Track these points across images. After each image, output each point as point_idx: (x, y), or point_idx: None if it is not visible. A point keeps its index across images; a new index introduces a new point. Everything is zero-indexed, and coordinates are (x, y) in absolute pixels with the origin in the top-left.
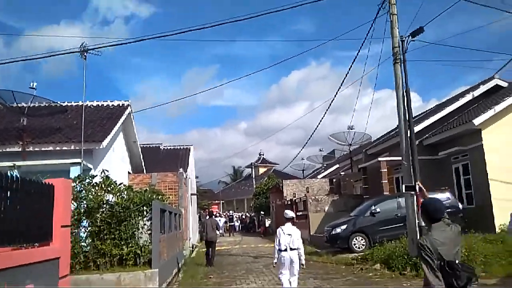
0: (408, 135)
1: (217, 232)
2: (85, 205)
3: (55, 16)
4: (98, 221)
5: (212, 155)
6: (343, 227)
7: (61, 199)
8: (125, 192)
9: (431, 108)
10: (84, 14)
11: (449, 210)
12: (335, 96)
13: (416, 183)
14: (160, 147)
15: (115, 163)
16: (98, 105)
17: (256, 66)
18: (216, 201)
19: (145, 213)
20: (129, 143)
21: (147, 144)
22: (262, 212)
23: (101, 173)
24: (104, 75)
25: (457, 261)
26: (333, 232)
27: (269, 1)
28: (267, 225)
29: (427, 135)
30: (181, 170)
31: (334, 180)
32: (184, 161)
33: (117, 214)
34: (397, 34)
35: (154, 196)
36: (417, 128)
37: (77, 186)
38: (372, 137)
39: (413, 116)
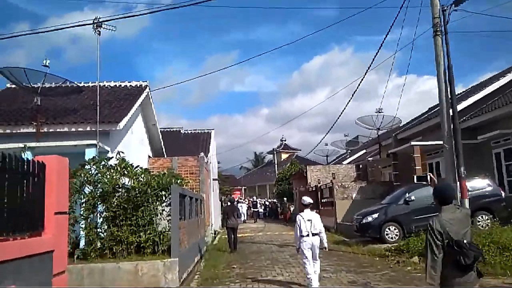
0: (451, 115)
1: (241, 219)
2: (100, 189)
3: (79, 4)
4: (114, 206)
5: (233, 141)
6: (375, 215)
7: (55, 181)
8: (142, 176)
9: (468, 88)
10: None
11: (491, 199)
12: (361, 80)
13: (428, 174)
14: (181, 131)
15: (134, 146)
16: (116, 85)
17: (276, 51)
18: (238, 187)
19: (163, 198)
20: (149, 126)
21: (167, 128)
22: (285, 198)
23: (117, 155)
24: (125, 60)
25: (465, 241)
26: (364, 221)
27: None
28: (291, 211)
29: (464, 118)
30: (202, 154)
31: (360, 166)
32: (205, 145)
33: (134, 199)
34: (438, 2)
35: (173, 180)
36: None
37: (92, 168)
38: (402, 121)
39: None
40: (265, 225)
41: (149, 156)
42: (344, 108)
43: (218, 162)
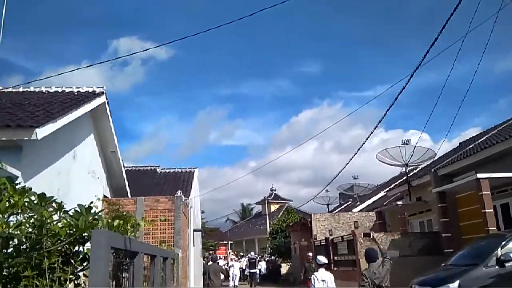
0: None
1: (231, 283)
2: None
3: (76, 57)
4: None
5: (220, 194)
6: (453, 285)
7: None
8: (32, 211)
9: None
10: (103, 55)
11: None
12: (369, 136)
13: (371, 232)
14: (157, 170)
15: (78, 178)
16: (57, 91)
17: (264, 105)
18: (224, 241)
19: (86, 256)
20: (105, 153)
21: (140, 166)
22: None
23: None
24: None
25: (383, 285)
26: None
27: (278, 46)
28: (285, 270)
29: None
30: (179, 193)
31: (382, 212)
32: (186, 186)
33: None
34: None
35: (103, 223)
36: None
37: None
38: (436, 155)
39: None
40: None
41: (105, 196)
42: (347, 163)
43: (202, 212)
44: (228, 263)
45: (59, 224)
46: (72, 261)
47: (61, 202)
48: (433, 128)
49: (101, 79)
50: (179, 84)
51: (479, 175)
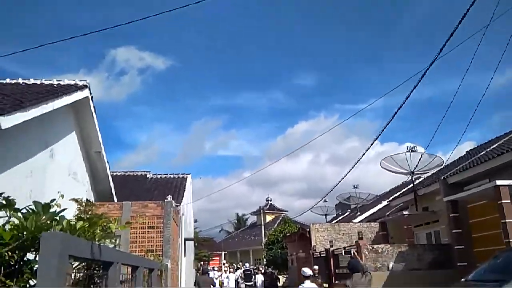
0: None
1: None
2: None
3: (73, 66)
4: None
5: (214, 204)
6: None
7: None
8: None
9: None
10: (101, 65)
11: None
12: (367, 149)
13: (352, 249)
14: (147, 176)
15: (56, 179)
16: (35, 83)
17: (259, 117)
18: (218, 252)
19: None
20: (90, 154)
21: (129, 171)
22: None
23: None
24: (106, 124)
25: None
26: None
27: (272, 56)
28: (280, 283)
29: None
30: (169, 198)
31: (385, 223)
32: (178, 192)
33: None
34: None
35: (58, 225)
36: None
37: None
38: (443, 162)
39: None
40: None
41: (88, 200)
42: (348, 172)
43: (195, 221)
44: (222, 275)
45: (7, 226)
46: (22, 273)
47: (11, 198)
48: (426, 142)
49: (99, 89)
50: (175, 94)
51: (499, 182)
